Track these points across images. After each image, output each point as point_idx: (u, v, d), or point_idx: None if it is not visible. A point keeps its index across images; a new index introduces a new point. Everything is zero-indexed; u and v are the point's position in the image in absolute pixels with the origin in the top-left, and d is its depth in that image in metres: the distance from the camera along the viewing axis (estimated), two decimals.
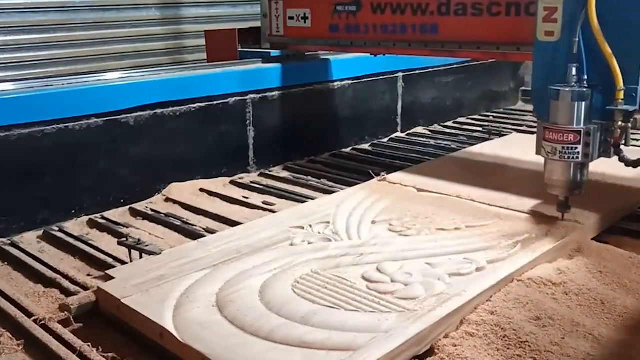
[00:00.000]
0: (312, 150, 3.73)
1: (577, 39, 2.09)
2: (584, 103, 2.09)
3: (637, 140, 3.86)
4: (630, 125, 2.12)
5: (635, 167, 2.24)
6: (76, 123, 2.76)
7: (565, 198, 2.28)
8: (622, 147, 2.17)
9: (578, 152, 2.12)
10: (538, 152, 2.24)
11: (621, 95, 2.07)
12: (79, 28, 4.18)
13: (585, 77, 2.11)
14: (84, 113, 2.78)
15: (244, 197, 3.02)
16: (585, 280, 1.95)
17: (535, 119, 4.58)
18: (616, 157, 2.22)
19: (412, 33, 2.97)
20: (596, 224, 2.37)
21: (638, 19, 2.07)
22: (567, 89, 2.10)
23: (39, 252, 2.45)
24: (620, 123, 2.10)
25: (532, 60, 2.30)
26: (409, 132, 4.31)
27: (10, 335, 1.82)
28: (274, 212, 2.72)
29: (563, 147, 2.13)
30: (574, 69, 2.11)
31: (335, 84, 3.81)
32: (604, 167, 2.95)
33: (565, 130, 2.12)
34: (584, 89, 2.09)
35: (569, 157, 2.14)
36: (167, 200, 3.01)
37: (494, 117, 4.82)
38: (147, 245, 2.20)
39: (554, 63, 2.19)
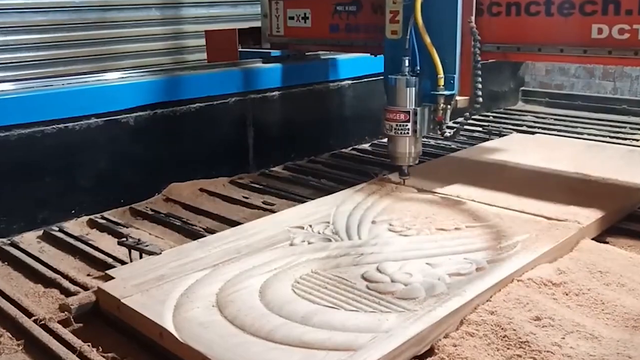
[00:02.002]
0: (312, 150, 3.73)
1: (409, 37, 2.54)
2: (413, 89, 2.56)
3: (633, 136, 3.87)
4: (450, 106, 2.59)
5: (451, 140, 2.88)
6: (76, 123, 2.76)
7: (405, 166, 2.74)
8: (444, 124, 2.63)
9: (408, 129, 2.60)
10: (383, 131, 2.70)
11: (442, 82, 2.53)
12: (79, 28, 4.18)
13: (418, 68, 2.58)
14: (84, 113, 2.78)
15: (244, 197, 3.02)
16: (586, 281, 1.95)
17: (534, 119, 4.62)
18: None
19: None
20: (596, 224, 2.37)
21: (450, 19, 2.55)
22: (400, 77, 2.57)
23: (39, 252, 2.45)
24: (442, 105, 2.57)
25: (383, 54, 2.76)
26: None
27: (10, 335, 1.83)
28: (274, 212, 2.71)
29: (397, 125, 2.61)
30: (406, 61, 2.57)
31: (335, 84, 3.81)
32: (605, 167, 2.96)
33: (398, 110, 2.59)
34: (413, 77, 2.57)
35: (401, 133, 2.61)
36: (167, 200, 3.01)
37: (494, 117, 4.82)
38: (147, 245, 2.20)
39: (398, 57, 2.60)
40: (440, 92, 2.55)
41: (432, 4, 2.54)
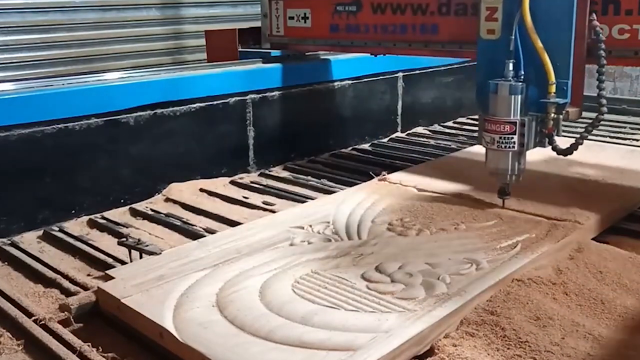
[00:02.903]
0: (312, 150, 3.73)
1: (514, 37, 2.25)
2: (519, 96, 2.26)
3: (637, 136, 3.87)
4: (562, 117, 2.27)
5: (565, 155, 2.38)
6: (76, 123, 2.76)
7: (505, 185, 2.43)
8: (555, 137, 2.34)
9: (514, 142, 2.29)
10: (479, 143, 2.42)
11: (553, 88, 2.23)
12: (79, 28, 4.18)
13: (522, 72, 2.27)
14: (84, 113, 2.78)
15: (244, 197, 3.02)
16: (585, 280, 1.95)
17: None
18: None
19: (412, 33, 2.97)
20: (596, 224, 2.37)
21: (566, 18, 2.23)
22: (504, 83, 2.26)
23: (39, 252, 2.45)
24: (552, 115, 2.26)
25: (476, 56, 2.46)
26: (409, 132, 4.31)
27: (10, 335, 1.82)
28: (274, 212, 2.71)
29: (500, 137, 2.30)
30: (510, 65, 2.27)
31: (335, 84, 3.81)
32: (605, 167, 2.96)
33: (502, 121, 2.28)
34: (519, 83, 2.26)
35: (505, 146, 2.30)
36: (167, 200, 3.01)
37: None
38: (147, 245, 2.20)
39: (495, 59, 2.32)
40: (552, 100, 2.24)
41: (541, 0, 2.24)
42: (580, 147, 2.35)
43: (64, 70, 4.06)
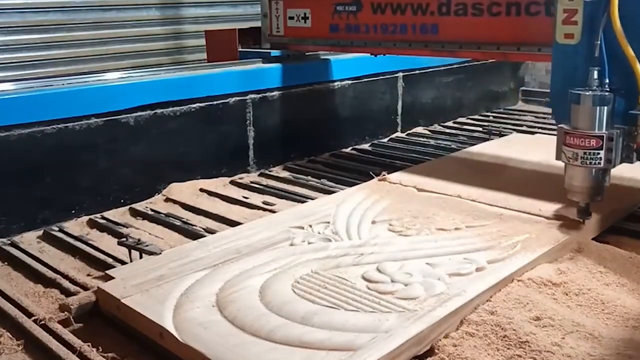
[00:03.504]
0: (312, 150, 3.73)
1: (599, 42, 2.04)
2: (605, 107, 2.05)
3: None
4: None
5: None
6: (76, 123, 2.76)
7: (586, 204, 2.24)
8: None
9: (600, 158, 2.07)
10: (558, 158, 2.20)
11: None
12: (79, 28, 4.18)
13: (607, 81, 2.07)
14: (84, 113, 2.78)
15: (244, 197, 3.02)
16: (586, 281, 1.95)
17: (534, 119, 4.62)
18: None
19: (412, 33, 2.97)
20: (596, 224, 2.37)
21: None
22: (589, 93, 2.05)
23: (39, 252, 2.45)
24: None
25: (551, 62, 2.26)
26: (409, 132, 4.31)
27: (10, 335, 1.82)
28: (274, 212, 2.71)
29: (585, 153, 2.08)
30: (595, 73, 2.06)
31: (335, 84, 3.81)
32: None
33: (587, 135, 2.07)
34: (606, 93, 2.05)
35: (590, 163, 2.09)
36: (167, 200, 3.01)
37: (494, 117, 4.82)
38: (147, 245, 2.20)
39: (574, 66, 2.14)
40: None
41: (628, 2, 2.02)
42: None
43: (64, 70, 4.06)
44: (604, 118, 2.05)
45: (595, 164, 2.09)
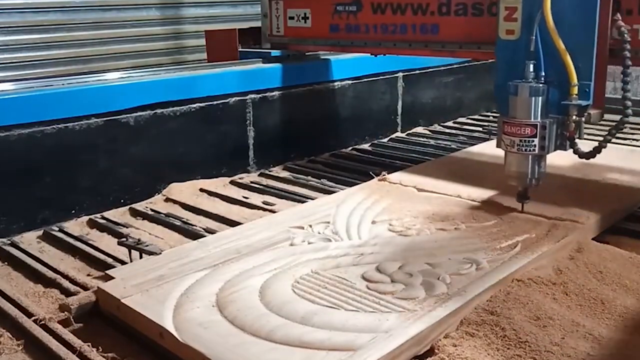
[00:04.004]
0: (312, 150, 3.73)
1: (534, 37, 2.19)
2: (540, 98, 2.21)
3: (636, 138, 3.87)
4: (584, 119, 2.22)
5: (588, 158, 2.34)
6: (76, 123, 2.76)
7: (524, 189, 2.39)
8: (576, 140, 2.27)
9: (535, 145, 2.24)
10: (498, 145, 2.37)
11: (575, 90, 2.17)
12: (79, 28, 4.18)
13: (543, 74, 2.22)
14: (84, 113, 2.78)
15: (244, 197, 3.02)
16: (585, 281, 1.95)
17: None
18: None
19: (412, 33, 2.97)
20: (596, 224, 2.37)
21: (589, 19, 2.19)
22: (525, 85, 2.21)
23: (39, 252, 2.45)
24: (574, 117, 2.21)
25: (495, 57, 2.42)
26: (409, 132, 4.31)
27: (10, 335, 1.82)
28: (274, 212, 2.71)
29: (521, 140, 2.25)
30: (531, 66, 2.22)
31: (335, 84, 3.81)
32: (605, 167, 2.96)
33: (522, 124, 2.24)
34: (540, 85, 2.21)
35: (526, 150, 2.25)
36: (167, 200, 3.01)
37: (494, 117, 4.82)
38: (147, 245, 2.20)
39: (515, 60, 2.28)
40: (574, 103, 2.18)
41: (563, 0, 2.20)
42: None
43: (64, 70, 4.06)
44: (539, 108, 2.22)
45: (530, 150, 2.25)
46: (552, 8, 2.15)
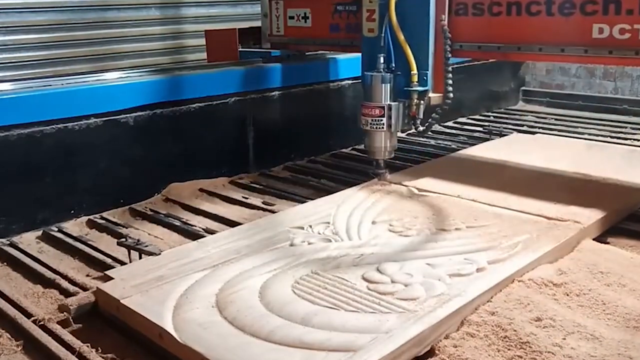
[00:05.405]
0: (312, 150, 3.73)
1: (384, 34, 2.65)
2: (388, 85, 2.68)
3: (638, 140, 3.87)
4: (423, 102, 2.70)
5: (422, 135, 3.03)
6: (76, 123, 2.76)
7: (382, 160, 2.86)
8: (418, 120, 2.73)
9: (383, 123, 2.71)
10: (359, 125, 2.79)
11: (415, 78, 2.66)
12: (78, 28, 4.18)
13: (393, 65, 2.69)
14: (83, 113, 2.78)
15: (243, 197, 3.02)
16: (586, 281, 1.95)
17: (535, 119, 4.62)
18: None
19: None
20: (597, 224, 2.37)
21: (424, 18, 2.67)
22: (375, 74, 2.69)
23: (38, 252, 2.45)
24: (416, 100, 2.69)
25: (360, 51, 2.87)
26: (409, 132, 4.30)
27: (10, 336, 1.82)
28: (274, 212, 2.71)
29: (372, 120, 2.72)
30: (381, 58, 2.68)
31: (335, 84, 3.80)
32: (606, 167, 2.96)
33: (372, 106, 2.70)
34: (387, 74, 2.67)
35: (377, 127, 2.73)
36: (167, 200, 3.01)
37: (494, 117, 4.82)
38: (146, 246, 2.20)
39: (374, 54, 2.70)
40: (414, 88, 2.66)
41: (406, 3, 2.65)
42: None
43: (64, 70, 4.06)
44: (387, 93, 2.68)
45: (380, 128, 2.73)
46: (397, 10, 2.62)
